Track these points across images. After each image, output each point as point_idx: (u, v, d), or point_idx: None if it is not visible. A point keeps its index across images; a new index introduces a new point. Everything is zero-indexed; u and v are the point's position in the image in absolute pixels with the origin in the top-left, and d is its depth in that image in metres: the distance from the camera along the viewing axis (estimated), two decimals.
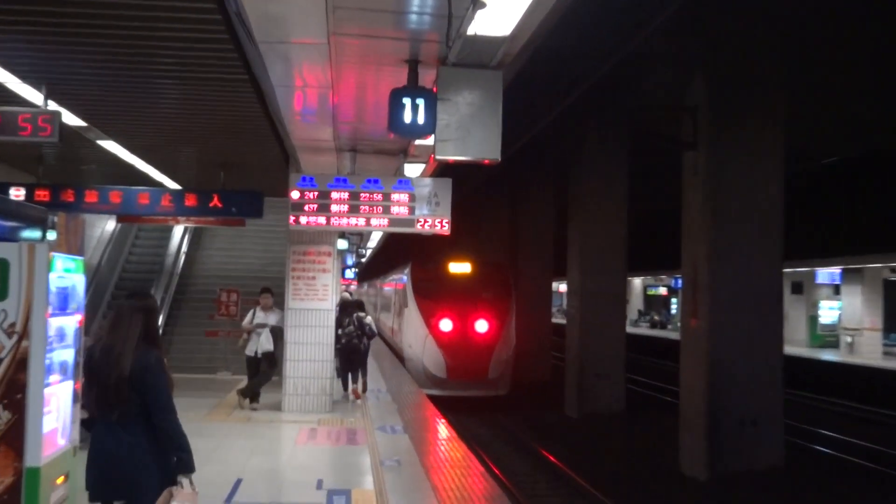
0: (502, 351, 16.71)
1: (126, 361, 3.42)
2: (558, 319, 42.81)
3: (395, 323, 20.78)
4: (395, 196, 7.66)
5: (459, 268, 17.71)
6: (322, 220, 7.72)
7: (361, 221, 7.70)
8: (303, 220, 7.72)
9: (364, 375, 12.48)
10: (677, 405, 12.14)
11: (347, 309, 11.70)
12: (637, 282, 43.67)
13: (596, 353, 16.28)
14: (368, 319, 12.53)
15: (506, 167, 19.93)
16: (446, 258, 18.61)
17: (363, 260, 30.59)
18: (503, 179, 23.64)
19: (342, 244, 17.67)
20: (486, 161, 4.74)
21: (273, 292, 10.59)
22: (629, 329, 24.52)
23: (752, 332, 11.27)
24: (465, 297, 16.87)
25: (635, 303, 43.46)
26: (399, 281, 21.22)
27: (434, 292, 17.21)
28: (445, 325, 16.62)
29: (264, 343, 10.07)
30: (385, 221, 7.70)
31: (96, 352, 3.54)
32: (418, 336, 16.83)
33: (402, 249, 34.16)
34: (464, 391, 16.30)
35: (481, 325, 16.65)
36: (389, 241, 28.02)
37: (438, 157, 4.73)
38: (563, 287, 50.73)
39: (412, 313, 17.37)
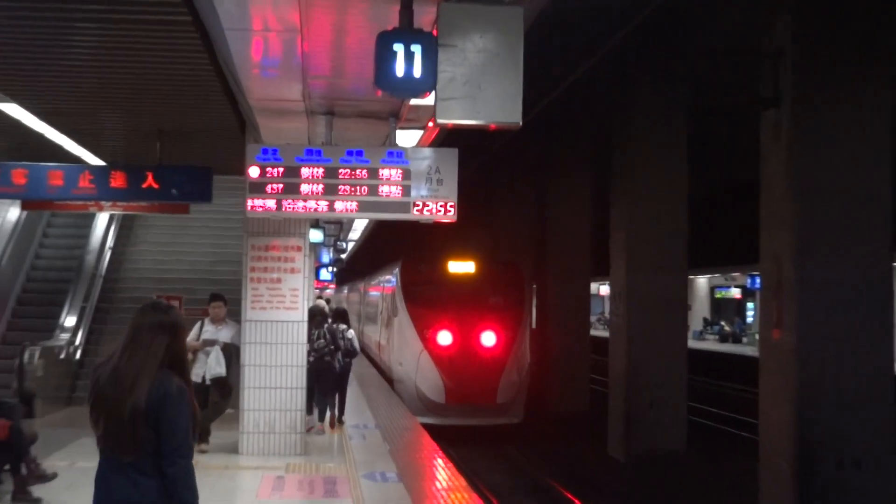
0: (514, 369, 17.13)
1: (142, 390, 3.43)
2: (599, 332, 42.94)
3: (383, 336, 21.16)
4: (384, 172, 7.65)
5: (461, 267, 18.16)
6: (289, 204, 7.70)
7: (341, 206, 7.68)
8: (264, 204, 7.70)
9: (342, 403, 12.58)
10: (756, 443, 12.13)
11: (316, 318, 11.79)
12: (701, 282, 43.72)
13: (648, 374, 16.29)
14: (350, 333, 12.87)
15: (530, 136, 19.94)
16: (445, 255, 18.91)
17: (343, 256, 30.68)
18: (526, 152, 23.64)
19: (316, 236, 17.71)
20: (503, 126, 4.72)
21: (226, 300, 10.61)
22: (692, 343, 24.53)
23: (854, 346, 11.24)
24: (467, 304, 17.36)
25: (699, 309, 43.52)
26: (386, 284, 21.59)
27: (430, 298, 17.73)
28: (444, 337, 17.10)
29: (214, 366, 10.10)
30: (371, 206, 7.68)
31: (103, 375, 3.55)
32: (410, 352, 17.27)
33: (392, 243, 34.29)
34: (467, 419, 16.75)
35: (488, 338, 17.14)
36: (377, 231, 28.10)
37: (440, 120, 4.71)
38: (604, 289, 50.96)
39: (403, 324, 17.83)
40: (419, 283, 18.20)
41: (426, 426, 13.09)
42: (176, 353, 3.56)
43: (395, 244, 35.68)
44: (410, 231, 31.52)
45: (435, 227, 26.91)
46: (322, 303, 17.68)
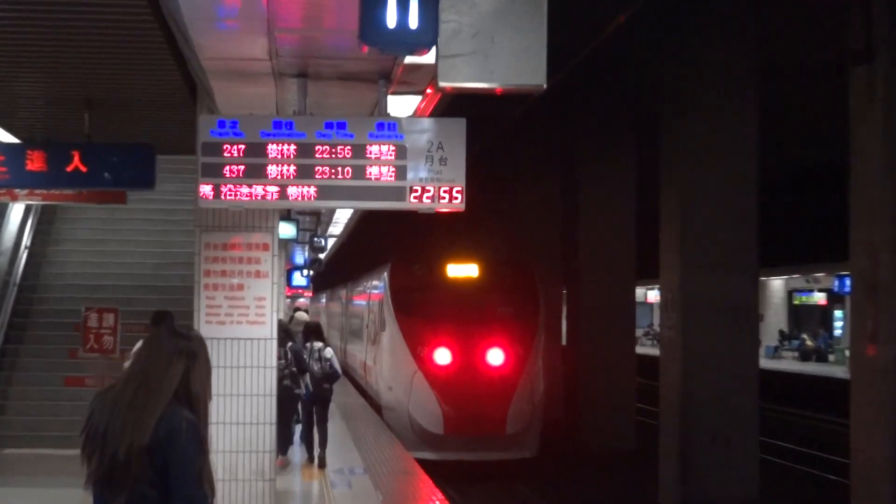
0: (526, 393, 17.56)
1: (146, 426, 3.63)
2: (647, 348, 42.87)
3: (368, 355, 21.46)
4: (372, 150, 7.65)
5: (462, 270, 18.61)
6: (253, 190, 7.72)
7: (318, 193, 7.69)
8: (221, 191, 7.72)
9: (322, 439, 12.63)
10: (848, 488, 12.12)
11: (278, 335, 11.88)
12: (776, 284, 43.69)
13: (709, 402, 16.29)
14: (328, 352, 13.02)
15: (557, 103, 19.95)
16: (442, 256, 19.16)
17: (322, 256, 30.74)
18: (552, 125, 23.66)
19: (287, 230, 17.73)
20: (522, 90, 4.73)
21: (172, 319, 10.61)
22: (764, 362, 24.53)
23: None
24: (470, 314, 17.83)
25: (774, 319, 43.53)
26: (372, 290, 21.92)
27: (424, 307, 18.23)
28: (441, 355, 17.52)
29: None
30: (356, 192, 7.70)
31: (101, 405, 3.76)
32: (402, 373, 17.75)
33: (384, 240, 34.31)
34: (471, 453, 17.22)
35: (495, 356, 17.56)
36: (364, 225, 28.15)
37: (443, 84, 4.73)
38: (653, 295, 50.88)
39: (392, 340, 18.30)
40: (411, 290, 18.60)
41: (421, 462, 13.32)
42: (191, 380, 3.78)
43: (389, 241, 35.65)
44: (407, 224, 31.52)
45: (437, 220, 27.11)
46: (303, 315, 17.70)
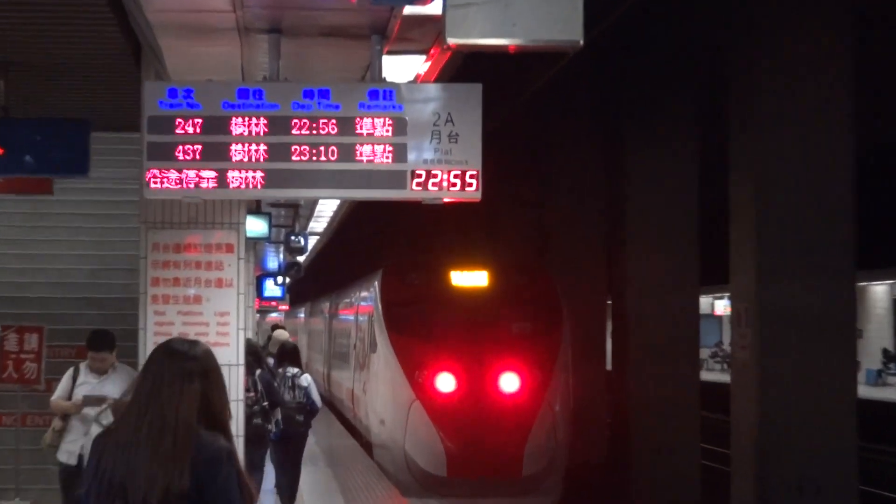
0: (547, 426, 17.91)
1: (183, 463, 3.91)
2: (715, 374, 42.57)
3: (356, 383, 21.90)
4: (364, 124, 7.67)
5: (468, 278, 19.03)
6: (213, 177, 7.74)
7: (295, 179, 7.71)
8: (173, 177, 7.74)
9: (292, 488, 12.95)
10: None
11: (246, 360, 12.01)
12: (879, 291, 43.58)
13: (794, 441, 16.28)
14: (305, 380, 13.30)
15: (598, 65, 19.93)
16: (444, 260, 19.70)
17: (301, 260, 30.77)
18: (593, 93, 23.64)
19: (257, 227, 17.72)
20: (553, 47, 4.74)
21: (114, 341, 10.64)
22: (864, 390, 24.44)
23: None
24: (478, 332, 18.22)
25: (876, 334, 43.38)
26: (361, 303, 22.33)
27: (423, 324, 18.67)
28: (444, 382, 17.86)
29: None
30: (344, 178, 7.71)
31: (110, 451, 4.00)
32: (396, 404, 18.12)
33: (380, 239, 34.37)
34: (480, 499, 17.50)
35: (509, 382, 17.89)
36: (355, 219, 28.15)
37: (452, 39, 4.73)
38: (722, 306, 50.53)
39: (384, 363, 18.75)
40: (408, 303, 19.05)
41: None
42: (211, 402, 4.07)
43: (385, 241, 35.69)
44: (409, 219, 31.51)
45: (446, 213, 27.07)
46: (283, 335, 17.83)
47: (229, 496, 3.94)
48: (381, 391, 18.96)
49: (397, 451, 17.78)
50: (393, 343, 18.45)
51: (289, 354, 13.73)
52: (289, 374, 13.07)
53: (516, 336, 18.38)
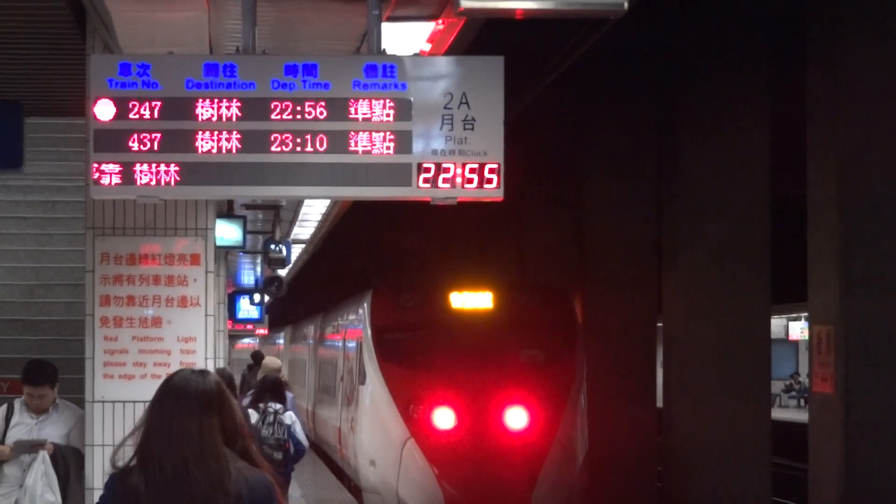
0: (559, 466, 18.50)
1: (216, 499, 4.53)
2: (790, 412, 42.30)
3: (342, 418, 22.64)
4: (359, 107, 7.68)
5: (469, 299, 19.83)
6: (174, 171, 7.73)
7: (273, 174, 7.70)
8: (125, 172, 7.73)
9: None
10: None
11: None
12: None
13: (887, 493, 16.21)
14: (289, 417, 13.82)
15: (643, 33, 19.91)
16: (441, 281, 20.59)
17: (283, 273, 30.78)
18: (639, 69, 23.65)
19: (228, 233, 17.71)
20: (592, 11, 4.72)
21: (56, 378, 10.62)
22: None
23: None
24: (480, 361, 18.91)
25: None
26: (348, 328, 23.23)
27: (418, 352, 19.52)
28: (442, 417, 18.53)
29: (40, 491, 10.14)
30: (335, 173, 7.70)
31: (141, 482, 4.66)
32: (388, 442, 18.80)
33: (382, 250, 34.48)
34: None
35: (515, 416, 18.56)
36: (347, 225, 28.19)
37: (466, 3, 4.72)
38: (798, 329, 50.10)
39: (375, 396, 19.48)
40: (401, 328, 19.91)
41: None
42: (229, 431, 4.70)
43: (386, 252, 35.75)
44: (415, 223, 31.60)
45: (459, 215, 27.02)
46: (275, 362, 17.95)
47: None
48: (370, 428, 19.57)
49: (389, 495, 18.39)
50: (384, 373, 19.07)
51: (271, 389, 14.11)
52: (270, 410, 13.28)
53: (525, 365, 19.06)
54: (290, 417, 13.76)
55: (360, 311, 21.10)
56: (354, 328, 21.94)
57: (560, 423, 18.67)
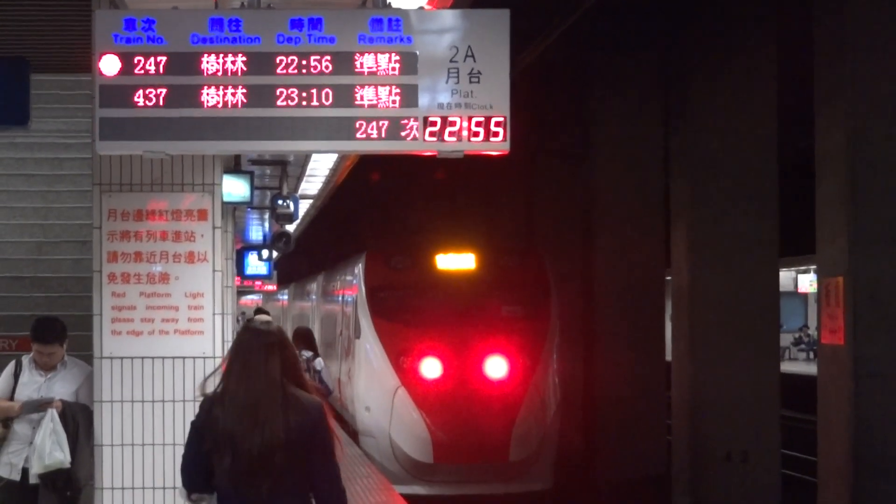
0: (534, 411, 20.65)
1: (275, 421, 6.06)
2: (799, 365, 42.19)
3: (342, 369, 24.95)
4: (364, 61, 7.68)
5: (454, 260, 21.87)
6: (181, 127, 7.74)
7: (281, 129, 7.71)
8: (130, 132, 7.74)
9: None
10: None
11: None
12: None
13: None
14: (319, 363, 15.77)
15: None
16: (429, 242, 22.58)
17: (291, 229, 30.73)
18: (646, 18, 23.57)
19: (235, 189, 17.68)
20: None
21: (64, 335, 10.64)
22: None
23: None
24: (464, 316, 21.10)
25: None
26: (345, 286, 25.19)
27: (408, 308, 21.57)
28: (429, 367, 20.63)
29: (48, 449, 10.17)
30: (341, 126, 7.71)
31: (221, 409, 6.16)
32: (381, 390, 20.89)
33: (392, 202, 34.58)
34: (467, 486, 20.20)
35: (496, 366, 20.65)
36: (356, 179, 28.19)
37: None
38: (807, 281, 50.00)
39: (368, 349, 21.54)
40: (392, 287, 21.89)
41: (409, 499, 15.16)
42: (289, 366, 6.24)
43: (393, 207, 35.75)
44: (424, 175, 31.60)
45: (469, 170, 27.02)
46: (264, 318, 18.16)
47: (327, 449, 6.15)
48: (364, 378, 21.57)
49: (383, 438, 20.30)
50: (377, 328, 21.17)
51: (302, 337, 15.58)
52: (303, 357, 14.40)
53: (503, 320, 21.16)
54: (319, 363, 15.30)
55: (356, 270, 23.02)
56: (351, 287, 23.89)
57: (535, 373, 20.68)
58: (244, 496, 6.05)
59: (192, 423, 6.37)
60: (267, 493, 6.02)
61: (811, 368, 33.43)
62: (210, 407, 6.21)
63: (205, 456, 6.15)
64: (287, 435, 6.00)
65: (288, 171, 22.56)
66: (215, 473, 6.13)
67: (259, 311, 25.03)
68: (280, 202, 23.64)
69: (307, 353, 15.14)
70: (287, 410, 6.05)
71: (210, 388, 6.40)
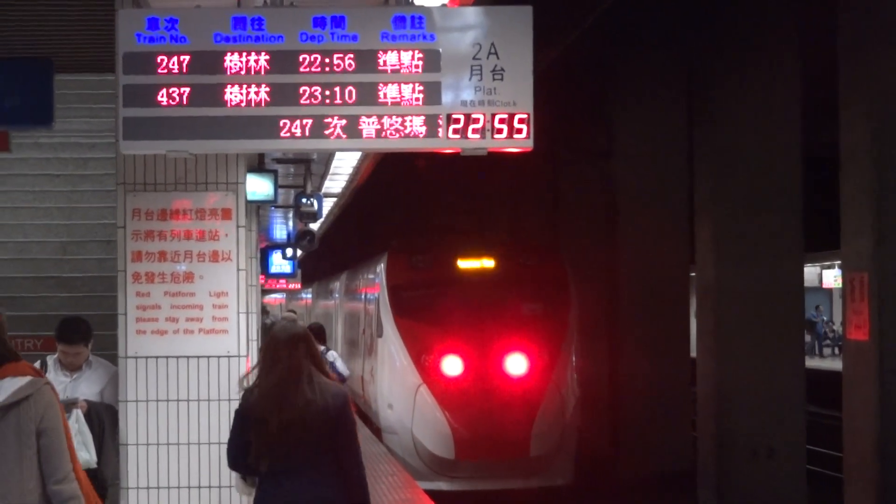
0: (554, 407, 21.10)
1: (294, 403, 7.02)
2: (826, 361, 42.12)
3: (365, 367, 25.44)
4: (388, 59, 7.67)
5: (475, 260, 22.39)
6: (205, 126, 7.72)
7: (303, 127, 7.70)
8: (153, 131, 7.72)
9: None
10: None
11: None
12: None
13: None
14: (331, 355, 16.38)
15: None
16: (450, 242, 23.16)
17: (315, 227, 30.76)
18: (671, 15, 23.53)
19: (259, 187, 17.67)
20: None
21: (90, 335, 10.63)
22: None
23: None
24: (485, 315, 21.52)
25: None
26: (367, 285, 25.72)
27: (430, 307, 22.06)
28: (451, 365, 21.05)
29: (77, 449, 10.16)
30: (367, 125, 7.70)
31: (254, 398, 7.20)
32: (403, 388, 21.44)
33: (402, 204, 34.65)
34: (489, 482, 20.83)
35: (515, 364, 21.06)
36: (379, 177, 28.22)
37: None
38: (831, 277, 49.99)
39: (391, 347, 22.07)
40: (414, 286, 22.42)
41: (432, 494, 15.43)
42: (314, 358, 7.28)
43: (418, 205, 35.81)
44: (446, 174, 31.63)
45: (493, 167, 27.06)
46: (290, 316, 18.38)
47: (351, 430, 7.18)
48: (387, 376, 22.16)
49: (405, 435, 20.89)
50: (399, 327, 21.72)
51: (315, 332, 15.29)
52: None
53: (523, 318, 21.61)
54: (332, 355, 16.22)
55: (378, 270, 23.57)
56: (373, 286, 24.37)
57: (554, 370, 21.10)
58: (285, 468, 7.04)
59: (236, 411, 7.45)
60: (296, 468, 7.02)
61: (836, 364, 33.34)
62: (248, 395, 7.22)
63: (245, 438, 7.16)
64: (316, 417, 6.97)
65: (312, 169, 22.59)
66: (249, 452, 7.08)
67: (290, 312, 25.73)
68: (304, 200, 23.64)
69: (320, 347, 15.45)
70: (315, 395, 7.01)
71: (249, 383, 7.32)
